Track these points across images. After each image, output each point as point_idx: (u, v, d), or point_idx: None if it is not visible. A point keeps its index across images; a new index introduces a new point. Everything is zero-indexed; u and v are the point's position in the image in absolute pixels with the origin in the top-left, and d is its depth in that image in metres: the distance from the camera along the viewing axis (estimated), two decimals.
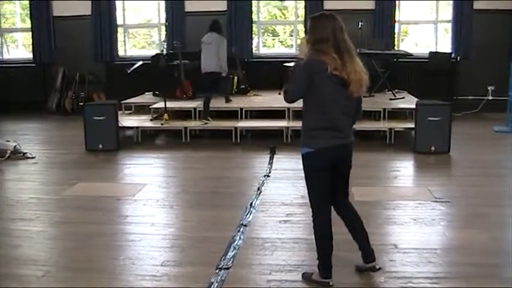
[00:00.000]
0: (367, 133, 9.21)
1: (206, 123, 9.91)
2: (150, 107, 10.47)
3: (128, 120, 10.31)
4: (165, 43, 11.50)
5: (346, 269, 4.34)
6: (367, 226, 4.30)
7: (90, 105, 9.79)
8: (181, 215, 6.05)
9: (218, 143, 9.58)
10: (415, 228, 5.39)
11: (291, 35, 14.18)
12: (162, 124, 9.84)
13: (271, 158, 8.41)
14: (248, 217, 5.72)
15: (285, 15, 14.72)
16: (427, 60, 12.49)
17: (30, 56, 13.98)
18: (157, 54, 12.02)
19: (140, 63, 11.57)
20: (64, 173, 7.93)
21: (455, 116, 10.21)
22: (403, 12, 13.06)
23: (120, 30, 13.81)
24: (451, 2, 12.77)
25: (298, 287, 4.19)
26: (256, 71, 12.25)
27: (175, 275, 4.44)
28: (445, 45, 13.02)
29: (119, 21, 13.73)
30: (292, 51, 13.63)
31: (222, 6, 12.98)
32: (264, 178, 7.25)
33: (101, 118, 9.09)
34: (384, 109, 9.72)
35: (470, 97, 12.51)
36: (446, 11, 13.11)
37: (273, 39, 14.75)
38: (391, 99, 10.59)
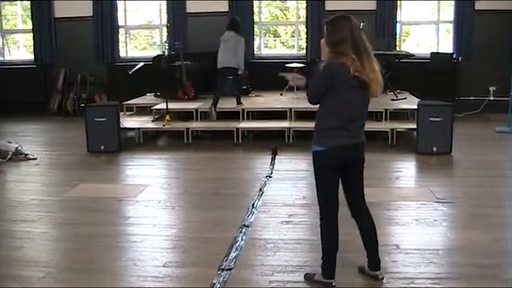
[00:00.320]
0: (369, 134, 9.12)
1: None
2: (152, 108, 10.49)
3: (129, 122, 10.31)
4: (167, 44, 11.49)
5: (349, 269, 4.34)
6: None
7: (92, 107, 9.80)
8: (183, 216, 6.05)
9: (220, 144, 9.58)
10: (417, 229, 5.39)
11: (293, 36, 14.17)
12: (163, 125, 9.85)
13: (273, 159, 8.41)
14: (250, 218, 5.72)
15: (286, 16, 14.73)
16: (428, 60, 12.49)
17: (31, 57, 13.99)
18: (158, 55, 12.03)
19: (142, 64, 11.56)
20: (66, 174, 7.93)
21: (457, 117, 10.21)
22: (404, 13, 13.06)
23: (121, 31, 13.82)
24: (453, 2, 12.77)
25: (301, 287, 4.18)
26: (258, 71, 12.25)
27: (177, 276, 4.44)
28: (447, 46, 13.01)
29: (121, 22, 13.74)
30: (294, 52, 13.65)
31: (224, 6, 12.98)
32: (265, 179, 7.25)
33: (103, 119, 9.09)
34: (386, 110, 9.72)
35: (471, 98, 12.50)
36: (448, 11, 13.11)
37: (275, 40, 14.77)
38: (392, 99, 10.58)
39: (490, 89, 12.32)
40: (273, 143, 9.37)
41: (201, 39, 12.88)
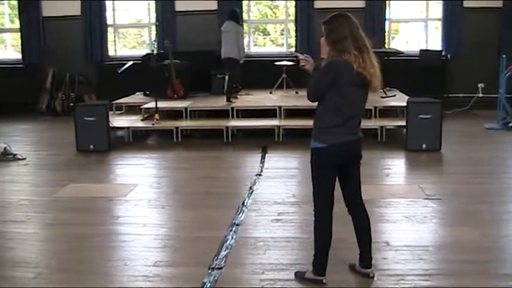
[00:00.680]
0: None
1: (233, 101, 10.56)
2: (141, 107, 10.46)
3: (119, 121, 10.27)
4: (156, 43, 11.47)
5: (340, 267, 4.34)
6: None
7: (81, 106, 9.76)
8: (174, 215, 6.03)
9: (209, 143, 9.58)
10: (407, 226, 5.40)
11: (282, 34, 14.18)
12: (153, 124, 9.82)
13: (263, 157, 8.40)
14: (240, 216, 5.72)
15: (275, 14, 14.73)
16: (417, 58, 12.55)
17: (19, 56, 13.92)
18: (147, 54, 11.99)
19: (131, 63, 11.53)
20: (55, 174, 7.89)
21: (446, 114, 10.26)
22: (393, 11, 13.12)
23: (110, 30, 13.78)
24: (441, 0, 12.82)
25: (291, 286, 4.18)
26: (248, 70, 12.23)
27: (167, 275, 4.43)
28: (436, 43, 13.08)
29: (109, 21, 13.71)
30: (283, 49, 13.66)
31: (213, 5, 12.98)
32: (255, 177, 7.25)
33: (92, 119, 9.06)
34: (375, 107, 9.75)
35: (460, 95, 12.57)
36: (437, 9, 13.18)
37: (264, 38, 14.76)
38: (382, 97, 10.60)
39: (479, 85, 12.40)
40: (263, 141, 9.37)
41: (190, 37, 12.88)
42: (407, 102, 8.84)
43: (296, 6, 12.98)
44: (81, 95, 13.20)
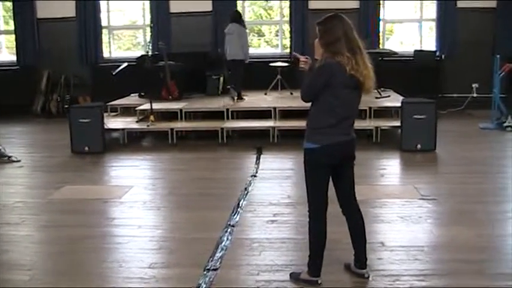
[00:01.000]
0: None
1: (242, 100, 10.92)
2: (136, 108, 10.44)
3: (113, 122, 10.26)
4: (150, 44, 11.48)
5: (335, 267, 4.34)
6: None
7: (76, 108, 9.75)
8: (169, 217, 6.03)
9: (205, 144, 9.58)
10: (402, 226, 5.41)
11: (277, 35, 14.19)
12: (148, 126, 9.81)
13: (258, 158, 8.41)
14: (235, 218, 5.72)
15: (270, 15, 14.73)
16: (412, 58, 12.58)
17: (14, 58, 13.91)
18: (142, 55, 12.00)
19: (125, 64, 11.51)
20: (50, 176, 7.88)
21: (441, 114, 10.28)
22: (387, 11, 13.15)
23: (105, 31, 13.77)
24: (435, 0, 12.86)
25: (287, 287, 4.18)
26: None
27: (163, 277, 4.43)
28: (430, 44, 13.11)
29: (104, 22, 13.70)
30: (278, 50, 13.67)
31: (207, 6, 12.99)
32: (251, 178, 7.25)
33: (87, 120, 9.05)
34: (370, 108, 9.76)
35: (455, 95, 12.60)
36: (431, 9, 13.21)
37: (259, 39, 14.77)
38: (376, 97, 10.61)
39: (473, 86, 12.43)
40: (258, 142, 9.38)
41: (184, 39, 12.88)
42: (402, 103, 8.86)
43: (290, 7, 13.00)
44: (76, 96, 13.18)
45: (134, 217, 5.92)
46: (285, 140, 9.37)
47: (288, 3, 13.12)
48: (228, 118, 10.08)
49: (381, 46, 12.81)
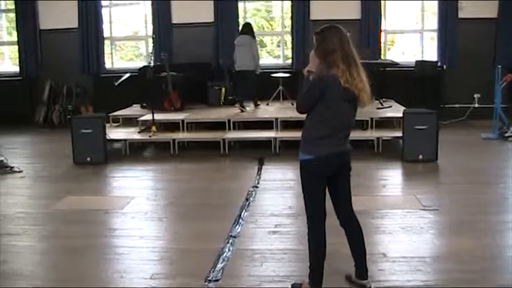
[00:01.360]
0: (354, 142, 9.14)
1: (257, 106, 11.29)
2: (138, 119, 10.45)
3: (115, 133, 10.28)
4: (152, 55, 11.50)
5: (336, 278, 4.33)
6: None
7: (78, 118, 9.77)
8: (170, 228, 6.02)
9: (206, 155, 9.57)
10: (404, 237, 5.40)
11: (278, 46, 14.23)
12: (150, 136, 9.83)
13: (260, 169, 8.41)
14: (237, 228, 5.71)
15: (272, 26, 14.78)
16: (413, 68, 12.59)
17: (16, 69, 13.94)
18: (144, 66, 12.00)
19: (128, 75, 11.55)
20: (52, 187, 7.89)
21: (442, 124, 10.27)
22: (389, 22, 13.17)
23: (107, 42, 13.81)
24: (436, 11, 12.89)
25: None
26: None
27: (164, 287, 4.42)
28: (431, 54, 13.12)
29: (106, 33, 13.74)
30: (280, 61, 13.69)
31: (209, 17, 13.03)
32: (252, 189, 7.25)
33: (89, 131, 9.07)
34: (372, 118, 9.76)
35: (456, 105, 12.60)
36: (432, 20, 13.23)
37: (261, 50, 14.76)
38: (378, 108, 10.63)
39: (475, 96, 12.44)
40: (260, 152, 9.38)
41: (186, 50, 12.91)
42: (404, 113, 8.86)
43: (292, 18, 13.03)
44: (78, 107, 13.21)
45: (136, 228, 5.92)
46: (286, 151, 9.37)
47: (289, 14, 13.14)
48: (229, 129, 10.09)
49: (382, 57, 12.82)
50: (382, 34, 12.97)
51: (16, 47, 13.85)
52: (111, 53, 13.97)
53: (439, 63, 12.73)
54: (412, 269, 4.59)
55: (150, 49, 13.19)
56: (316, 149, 3.96)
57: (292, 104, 11.16)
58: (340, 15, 11.62)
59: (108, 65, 13.83)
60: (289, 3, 13.07)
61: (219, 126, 10.22)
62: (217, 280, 4.46)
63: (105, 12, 13.66)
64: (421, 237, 5.37)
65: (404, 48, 14.28)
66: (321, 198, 4.04)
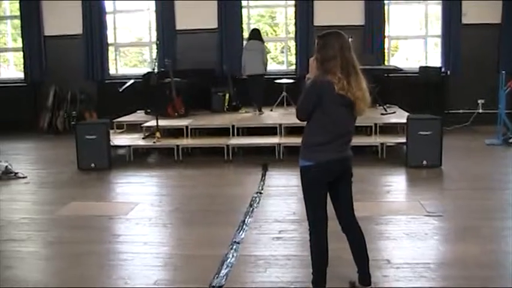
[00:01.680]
0: (358, 148, 9.20)
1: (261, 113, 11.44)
2: (142, 125, 10.47)
3: (119, 139, 10.29)
4: (156, 61, 11.52)
5: (340, 284, 4.32)
6: None
7: (82, 124, 9.79)
8: (174, 234, 6.02)
9: (210, 161, 9.58)
10: (408, 243, 5.40)
11: (282, 52, 14.25)
12: (154, 142, 9.84)
13: (264, 175, 8.41)
14: (241, 234, 5.71)
15: (275, 32, 14.81)
16: (417, 74, 12.58)
17: (21, 75, 14.00)
18: (148, 72, 12.03)
19: (132, 81, 11.58)
20: (56, 193, 7.90)
21: (446, 130, 10.27)
22: (392, 28, 13.17)
23: (111, 48, 13.85)
24: (440, 16, 12.89)
25: None
26: (247, 89, 12.27)
27: None
28: (435, 60, 13.12)
29: (110, 39, 13.78)
30: (284, 67, 13.71)
31: (213, 23, 13.06)
32: (256, 195, 7.25)
33: (93, 137, 9.09)
34: (375, 124, 9.76)
35: (460, 111, 12.59)
36: (436, 25, 13.23)
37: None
38: (382, 114, 10.64)
39: (479, 102, 12.44)
40: (264, 158, 9.38)
41: (190, 56, 12.94)
42: (408, 119, 8.86)
43: (296, 24, 13.05)
44: (83, 113, 13.23)
45: (140, 234, 5.92)
46: (290, 157, 9.36)
47: (293, 20, 13.17)
48: (233, 135, 10.10)
49: (386, 62, 12.82)
50: (386, 40, 12.98)
51: (21, 53, 13.91)
52: (116, 59, 14.01)
53: (442, 69, 12.73)
54: (416, 275, 4.58)
55: (154, 55, 13.19)
56: (316, 155, 3.96)
57: None
58: (343, 21, 11.64)
59: (112, 71, 13.87)
60: (293, 9, 13.09)
61: (222, 132, 10.23)
62: (221, 286, 4.46)
63: (109, 18, 13.70)
64: (425, 244, 5.36)
65: (408, 54, 14.28)
66: (321, 204, 4.04)
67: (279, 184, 7.98)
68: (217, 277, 4.62)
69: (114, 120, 11.00)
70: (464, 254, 5.04)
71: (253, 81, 11.45)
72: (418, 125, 8.64)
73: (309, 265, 4.17)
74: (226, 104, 12.01)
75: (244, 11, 13.32)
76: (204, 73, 12.48)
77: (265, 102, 11.79)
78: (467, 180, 7.87)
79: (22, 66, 13.94)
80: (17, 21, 13.93)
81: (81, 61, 13.47)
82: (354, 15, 12.63)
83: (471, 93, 12.43)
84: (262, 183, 7.95)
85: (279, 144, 9.57)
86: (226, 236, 5.62)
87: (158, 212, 6.79)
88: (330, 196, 4.11)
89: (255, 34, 11.57)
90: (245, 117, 11.31)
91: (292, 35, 13.30)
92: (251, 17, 13.76)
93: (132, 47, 14.96)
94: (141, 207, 6.87)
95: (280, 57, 14.50)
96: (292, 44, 13.45)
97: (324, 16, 12.52)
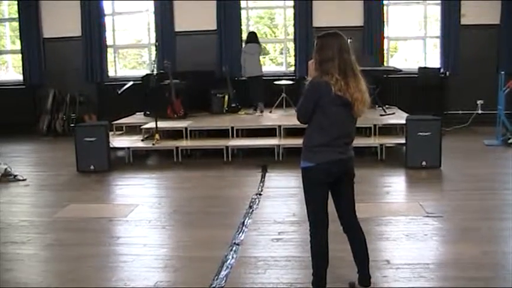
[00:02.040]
0: (358, 149, 9.14)
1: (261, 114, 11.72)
2: (141, 127, 10.47)
3: (119, 141, 10.30)
4: (156, 63, 11.53)
5: (340, 285, 4.33)
6: None
7: (81, 126, 9.78)
8: (174, 235, 6.02)
9: (210, 162, 9.58)
10: (408, 244, 5.40)
11: (281, 53, 14.26)
12: (153, 144, 9.84)
13: (263, 176, 8.41)
14: (240, 236, 5.71)
15: (274, 34, 14.82)
16: (416, 75, 12.59)
17: (20, 77, 14.00)
18: (147, 74, 12.04)
19: (131, 83, 11.57)
20: (56, 195, 7.89)
21: (446, 131, 10.27)
22: (391, 29, 13.18)
23: (110, 50, 13.86)
24: (439, 17, 12.90)
25: None
26: (248, 91, 12.28)
27: None
28: (434, 61, 13.13)
29: (109, 41, 13.79)
30: (283, 69, 13.72)
31: (212, 25, 13.07)
32: (256, 196, 7.25)
33: (92, 139, 9.09)
34: (375, 125, 9.76)
35: (459, 111, 12.61)
36: (435, 26, 13.24)
37: (264, 58, 14.80)
38: (381, 115, 10.64)
39: (478, 102, 12.45)
40: (263, 160, 9.39)
41: (189, 57, 12.95)
42: (407, 120, 8.86)
43: (295, 25, 13.06)
44: (82, 115, 13.22)
45: (139, 235, 5.92)
46: (290, 158, 9.38)
47: (292, 21, 13.17)
48: (233, 136, 10.10)
49: (385, 63, 12.83)
50: (385, 41, 12.99)
51: (19, 55, 13.92)
52: (115, 61, 14.02)
53: (442, 70, 12.74)
54: (415, 276, 4.58)
55: (153, 57, 13.19)
56: (316, 156, 3.97)
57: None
58: (343, 22, 11.66)
59: (111, 73, 13.88)
60: (292, 10, 13.09)
61: (222, 133, 10.23)
62: (220, 287, 4.46)
63: (108, 20, 13.71)
64: (424, 244, 5.36)
65: (407, 54, 14.29)
66: (322, 205, 4.04)
67: (279, 185, 7.98)
68: (216, 279, 4.62)
69: (114, 122, 10.99)
70: (464, 254, 5.04)
71: (254, 82, 11.72)
72: (417, 125, 8.64)
73: (309, 266, 4.17)
74: (225, 106, 12.02)
75: (243, 13, 13.33)
76: (203, 75, 12.48)
77: (265, 103, 11.81)
78: (467, 181, 7.87)
79: (21, 68, 13.95)
80: (16, 24, 13.93)
81: (80, 63, 13.49)
82: (353, 16, 12.65)
83: (470, 93, 12.44)
84: (261, 184, 7.95)
85: (279, 145, 9.57)
86: (226, 238, 5.62)
87: (158, 213, 6.79)
88: (331, 196, 4.12)
89: (253, 37, 11.91)
90: (244, 118, 11.31)
91: (292, 36, 13.30)
92: (250, 19, 13.77)
93: (131, 48, 14.96)
94: (140, 209, 6.87)
95: (279, 59, 14.50)
96: (291, 45, 13.45)
97: (323, 17, 12.55)
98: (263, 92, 11.87)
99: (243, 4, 13.32)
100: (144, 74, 12.53)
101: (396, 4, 13.31)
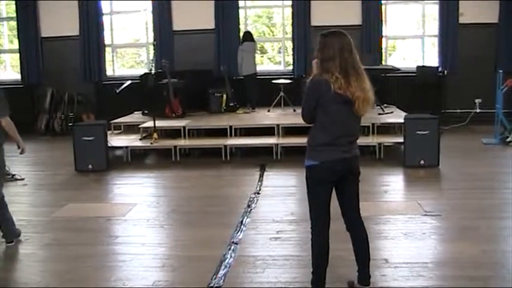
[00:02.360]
0: None
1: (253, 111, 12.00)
2: (139, 126, 10.46)
3: (117, 140, 10.29)
4: (154, 62, 11.51)
5: (339, 285, 4.33)
6: None
7: (79, 126, 9.77)
8: (172, 235, 6.02)
9: (208, 161, 9.58)
10: (406, 243, 5.40)
11: (279, 52, 14.25)
12: (151, 143, 9.83)
13: (261, 175, 8.41)
14: (239, 235, 5.71)
15: (273, 33, 14.81)
16: (414, 74, 12.59)
17: (18, 77, 13.98)
18: (145, 73, 12.02)
19: (129, 82, 11.56)
20: (54, 194, 7.89)
21: (444, 130, 10.27)
22: (390, 28, 13.18)
23: (108, 50, 13.85)
24: (437, 16, 12.90)
25: None
26: (245, 88, 12.28)
27: None
28: (432, 59, 13.14)
29: (107, 41, 13.78)
30: (281, 68, 13.71)
31: (210, 24, 13.06)
32: (254, 195, 7.24)
33: (90, 138, 9.08)
34: (373, 124, 9.76)
35: (458, 110, 12.61)
36: (433, 25, 13.24)
37: (262, 56, 14.82)
38: (379, 114, 10.64)
39: (476, 101, 12.45)
40: (261, 159, 9.38)
41: (187, 57, 12.94)
42: (405, 119, 8.87)
43: (293, 24, 13.05)
44: (80, 114, 13.21)
45: (137, 235, 5.92)
46: (288, 157, 9.38)
47: (290, 20, 13.16)
48: (231, 135, 10.10)
49: (383, 62, 12.83)
50: (383, 40, 12.99)
51: (17, 54, 13.90)
52: (113, 61, 14.01)
53: (440, 69, 12.74)
54: (414, 274, 4.58)
55: (151, 56, 13.20)
56: (320, 154, 3.97)
57: (294, 111, 11.20)
58: (341, 21, 11.61)
59: (109, 72, 13.87)
60: (290, 9, 13.09)
61: (220, 132, 10.23)
62: (219, 287, 4.47)
63: (106, 19, 13.70)
64: (423, 243, 5.36)
65: (405, 53, 14.30)
66: (325, 204, 4.04)
67: (277, 184, 7.97)
68: (215, 278, 4.62)
69: (112, 122, 10.99)
70: (463, 253, 5.04)
71: (250, 80, 11.98)
72: (416, 124, 8.64)
73: (307, 265, 4.18)
74: (223, 105, 12.01)
75: (241, 12, 13.32)
76: (201, 74, 12.48)
77: (263, 102, 11.81)
78: (465, 180, 7.87)
79: (19, 67, 13.93)
80: (13, 23, 13.92)
81: (78, 62, 13.47)
82: (351, 15, 12.64)
83: (468, 92, 12.44)
84: (259, 183, 7.95)
85: (277, 144, 9.57)
86: (224, 237, 5.62)
87: (156, 213, 6.79)
88: (336, 194, 4.13)
89: (249, 36, 12.26)
90: (243, 117, 11.31)
91: (290, 35, 13.29)
92: (248, 18, 13.76)
93: (129, 48, 14.94)
94: (138, 208, 6.86)
95: (277, 58, 14.49)
96: (289, 44, 13.44)
97: (321, 16, 12.55)
98: (258, 89, 12.09)
99: (241, 3, 13.32)
100: (142, 73, 12.51)
101: (394, 3, 13.32)
